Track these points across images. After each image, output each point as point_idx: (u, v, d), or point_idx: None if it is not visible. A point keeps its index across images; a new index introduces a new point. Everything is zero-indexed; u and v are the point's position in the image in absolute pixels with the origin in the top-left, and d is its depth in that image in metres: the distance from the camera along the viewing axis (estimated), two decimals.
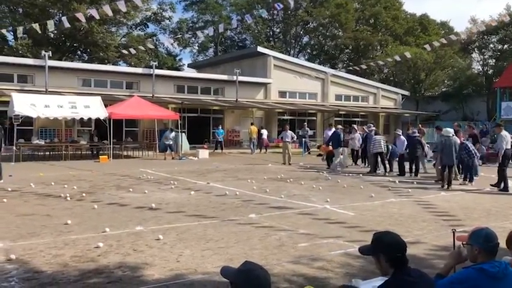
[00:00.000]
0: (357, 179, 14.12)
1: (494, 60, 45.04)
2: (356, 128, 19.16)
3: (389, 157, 15.70)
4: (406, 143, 15.52)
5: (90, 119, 20.74)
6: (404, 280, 2.47)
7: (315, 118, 33.77)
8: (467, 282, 2.67)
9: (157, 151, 22.11)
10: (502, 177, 11.85)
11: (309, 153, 24.18)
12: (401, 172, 15.04)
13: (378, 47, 50.55)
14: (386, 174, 15.37)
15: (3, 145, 13.33)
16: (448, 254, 3.13)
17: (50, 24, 17.49)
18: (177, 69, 47.68)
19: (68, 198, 9.63)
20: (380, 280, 2.66)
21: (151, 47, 37.28)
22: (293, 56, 44.29)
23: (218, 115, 30.14)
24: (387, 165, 15.65)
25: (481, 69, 46.94)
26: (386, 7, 49.93)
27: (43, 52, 24.69)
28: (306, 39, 54.38)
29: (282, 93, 32.61)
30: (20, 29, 19.72)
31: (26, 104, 18.57)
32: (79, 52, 41.52)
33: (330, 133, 18.53)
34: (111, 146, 20.16)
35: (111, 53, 36.99)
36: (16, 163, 17.40)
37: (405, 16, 51.75)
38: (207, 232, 6.85)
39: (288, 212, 8.50)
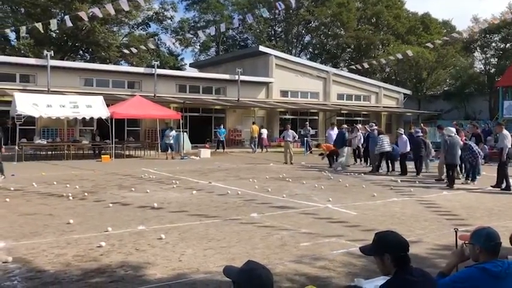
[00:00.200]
0: (359, 178, 14.11)
1: (496, 59, 44.95)
2: (358, 127, 19.14)
3: (391, 156, 15.69)
4: (408, 142, 15.50)
5: (92, 118, 20.78)
6: (407, 279, 2.47)
7: (316, 117, 33.74)
8: (470, 281, 2.67)
9: (159, 151, 22.14)
10: (503, 176, 11.84)
11: (311, 152, 24.16)
12: (403, 171, 15.02)
13: (380, 46, 50.52)
14: (388, 173, 15.36)
15: (3, 146, 13.40)
16: (450, 252, 3.13)
17: (53, 24, 17.53)
18: (179, 68, 47.72)
19: (70, 198, 9.65)
20: (382, 279, 2.66)
21: (153, 47, 37.31)
22: (295, 55, 44.25)
23: (220, 114, 30.15)
24: (389, 165, 15.64)
25: (483, 68, 46.86)
26: (388, 6, 49.86)
27: (45, 52, 24.73)
28: (307, 38, 54.41)
29: (284, 93, 32.60)
30: (24, 28, 19.74)
31: (28, 104, 18.60)
32: (81, 52, 41.60)
33: (332, 132, 18.53)
34: (113, 145, 20.18)
35: (112, 53, 37.03)
36: (18, 163, 17.44)
37: (407, 15, 51.68)
38: (209, 231, 6.86)
39: (290, 212, 8.50)
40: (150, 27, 46.47)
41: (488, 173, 14.17)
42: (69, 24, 17.46)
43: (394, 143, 16.13)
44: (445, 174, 13.20)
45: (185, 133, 24.58)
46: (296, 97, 33.10)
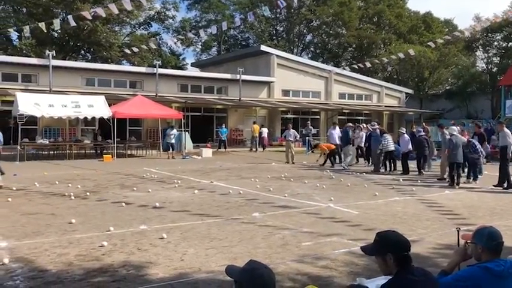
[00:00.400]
0: (361, 177, 14.10)
1: (498, 58, 44.80)
2: (362, 126, 19.11)
3: (393, 156, 15.67)
4: (410, 141, 15.49)
5: (94, 118, 20.80)
6: (408, 279, 2.47)
7: (318, 117, 33.72)
8: (472, 280, 2.67)
9: (161, 150, 22.16)
10: (505, 175, 11.82)
11: (313, 152, 24.15)
12: (405, 171, 15.00)
13: (382, 45, 50.45)
14: (390, 172, 15.35)
15: (0, 146, 13.55)
16: (453, 251, 3.12)
17: (56, 23, 17.55)
18: (181, 68, 47.73)
19: (72, 197, 9.67)
20: (384, 279, 2.66)
21: (154, 46, 37.32)
22: (296, 55, 44.24)
23: (221, 114, 30.16)
24: (391, 164, 15.63)
25: (485, 67, 46.70)
26: (390, 5, 49.79)
27: (47, 52, 24.77)
28: (309, 37, 54.33)
29: (285, 92, 32.59)
30: (27, 28, 19.75)
31: (30, 104, 18.63)
32: (82, 51, 41.63)
33: (333, 132, 18.52)
34: (115, 145, 20.22)
35: (114, 53, 37.06)
36: (20, 162, 17.48)
37: (409, 14, 51.60)
38: (211, 231, 6.86)
39: (292, 211, 8.50)
40: (151, 26, 46.55)
41: (490, 172, 14.16)
42: (73, 23, 17.47)
43: (396, 143, 16.13)
44: (447, 173, 13.20)
45: (187, 133, 24.61)
46: (298, 96, 33.09)
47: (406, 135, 15.88)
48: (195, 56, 56.41)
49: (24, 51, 32.78)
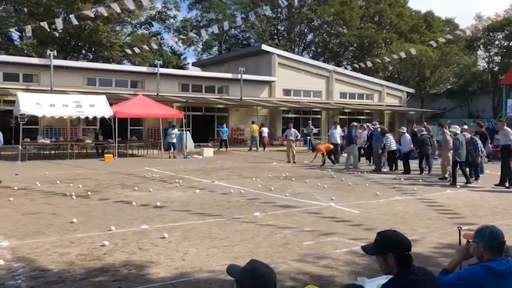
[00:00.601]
0: (362, 177, 14.09)
1: (500, 57, 44.74)
2: (366, 126, 19.08)
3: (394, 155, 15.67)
4: (411, 140, 15.47)
5: (95, 117, 20.81)
6: (409, 278, 2.47)
7: (319, 116, 33.69)
8: (473, 279, 2.67)
9: (162, 150, 22.17)
10: (506, 174, 11.80)
11: (314, 151, 24.12)
12: (406, 170, 14.99)
13: (383, 45, 50.39)
14: (391, 172, 15.33)
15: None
16: (454, 250, 3.12)
17: (59, 23, 17.59)
18: (182, 67, 47.74)
19: (74, 197, 9.67)
20: (385, 278, 2.66)
21: (156, 47, 37.39)
22: (297, 54, 44.20)
23: (223, 113, 30.16)
24: (393, 164, 15.62)
25: (486, 66, 46.66)
26: (391, 4, 49.76)
27: (48, 51, 24.78)
28: (310, 37, 54.29)
29: (287, 91, 32.56)
30: (29, 27, 19.78)
31: (31, 103, 18.65)
32: (84, 51, 41.66)
33: (335, 131, 18.50)
34: (116, 144, 20.23)
35: (115, 52, 37.08)
36: (22, 162, 17.49)
37: (410, 13, 51.54)
38: (212, 230, 6.86)
39: (293, 210, 8.49)
40: (152, 26, 46.59)
41: (491, 171, 14.14)
42: (75, 22, 17.48)
43: (397, 142, 16.12)
44: (448, 172, 13.20)
45: (188, 132, 24.62)
46: (299, 96, 33.06)
47: (407, 134, 15.87)
48: (196, 56, 56.47)
49: (25, 51, 32.82)
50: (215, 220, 7.59)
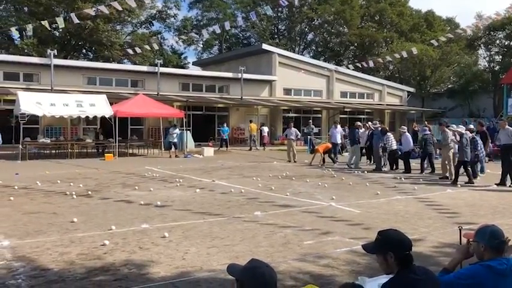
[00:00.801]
0: (362, 176, 14.09)
1: (500, 56, 44.72)
2: (367, 125, 19.05)
3: (394, 155, 15.65)
4: (411, 140, 15.46)
5: (95, 117, 20.80)
6: (410, 278, 2.46)
7: (320, 115, 33.70)
8: (474, 278, 2.66)
9: (163, 149, 22.17)
10: (507, 173, 11.79)
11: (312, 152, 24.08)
12: (407, 169, 14.98)
13: (383, 44, 50.36)
14: (392, 171, 15.33)
15: None
16: (455, 249, 3.12)
17: (60, 22, 17.56)
18: (182, 67, 47.75)
19: (74, 196, 9.67)
20: (385, 278, 2.66)
21: (156, 46, 37.39)
22: (298, 53, 44.20)
23: (223, 113, 30.15)
24: (393, 163, 15.62)
25: (487, 65, 46.64)
26: (392, 3, 49.73)
27: (48, 51, 24.78)
28: (310, 36, 54.28)
29: (287, 91, 32.56)
30: (29, 27, 19.79)
31: (31, 103, 18.65)
32: (84, 50, 41.68)
33: (335, 131, 18.48)
34: (117, 144, 20.23)
35: (115, 52, 37.08)
36: (22, 161, 17.50)
37: (410, 12, 51.49)
38: (213, 230, 6.86)
39: (294, 210, 8.49)
40: (153, 25, 46.58)
41: (492, 170, 14.13)
42: (76, 20, 17.47)
43: (398, 141, 16.10)
44: (448, 172, 13.19)
45: (188, 131, 24.62)
46: (299, 95, 33.05)
47: (407, 133, 15.85)
48: (197, 55, 56.51)
49: (25, 51, 32.84)
50: (215, 219, 7.59)
